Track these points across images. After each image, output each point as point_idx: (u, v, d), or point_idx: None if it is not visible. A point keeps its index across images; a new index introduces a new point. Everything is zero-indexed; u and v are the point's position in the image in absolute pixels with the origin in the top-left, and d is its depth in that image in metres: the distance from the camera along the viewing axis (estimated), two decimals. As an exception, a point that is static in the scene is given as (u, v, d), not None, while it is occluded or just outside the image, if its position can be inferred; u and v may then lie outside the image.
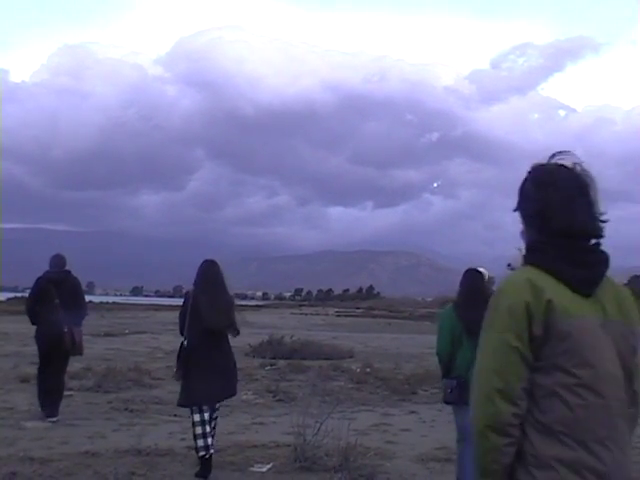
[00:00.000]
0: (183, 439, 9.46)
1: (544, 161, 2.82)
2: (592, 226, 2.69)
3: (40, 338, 10.92)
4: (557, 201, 2.67)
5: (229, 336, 8.11)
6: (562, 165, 2.77)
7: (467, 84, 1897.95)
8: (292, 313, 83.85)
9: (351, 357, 22.75)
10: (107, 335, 29.82)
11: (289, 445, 8.52)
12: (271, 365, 18.90)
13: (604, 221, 2.72)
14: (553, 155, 2.82)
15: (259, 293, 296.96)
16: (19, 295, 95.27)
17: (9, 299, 77.46)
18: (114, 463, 7.86)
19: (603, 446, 2.49)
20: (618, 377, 2.58)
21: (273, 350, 21.85)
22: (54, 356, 10.87)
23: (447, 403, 7.10)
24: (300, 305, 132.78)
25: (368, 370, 18.21)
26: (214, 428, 7.92)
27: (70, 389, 13.17)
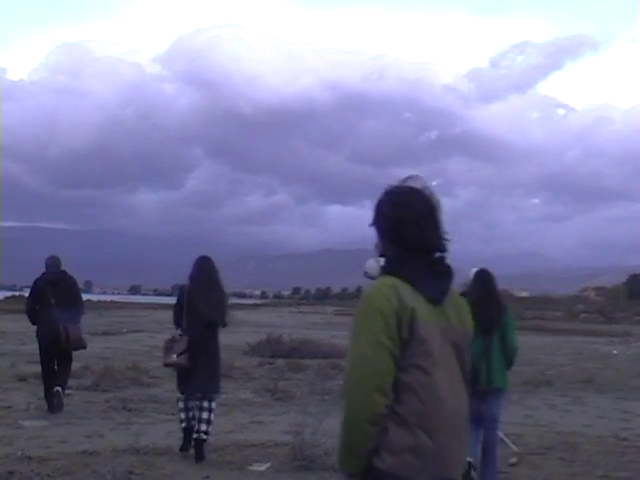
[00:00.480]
0: (181, 438, 9.46)
1: (398, 184, 3.21)
2: (438, 242, 3.12)
3: (39, 337, 11.58)
4: (410, 219, 3.07)
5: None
6: (414, 188, 3.17)
7: (466, 82, 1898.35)
8: (290, 312, 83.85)
9: (350, 356, 22.72)
10: (105, 334, 29.80)
11: (287, 444, 8.51)
12: (269, 364, 18.91)
13: (448, 239, 3.16)
14: (405, 179, 3.23)
15: (257, 292, 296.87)
16: (17, 294, 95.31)
17: (7, 298, 77.49)
18: (112, 462, 7.84)
19: (447, 435, 2.96)
20: (457, 376, 3.09)
21: (271, 349, 21.85)
22: (54, 354, 11.45)
23: None
24: (298, 304, 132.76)
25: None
26: (209, 421, 8.47)
27: (68, 388, 13.15)
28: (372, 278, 2.96)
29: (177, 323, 8.74)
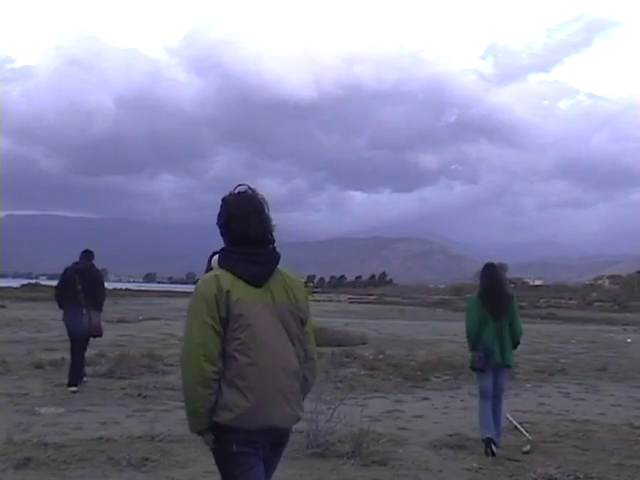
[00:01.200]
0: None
1: (234, 189, 4.09)
2: (262, 236, 3.96)
3: (66, 320, 12.54)
4: (235, 218, 3.94)
5: None
6: (241, 192, 4.05)
7: (486, 65, 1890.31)
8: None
9: (364, 344, 22.75)
10: (120, 322, 29.91)
11: (302, 431, 8.50)
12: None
13: (271, 233, 4.00)
14: (237, 185, 4.10)
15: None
16: (33, 282, 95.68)
17: (23, 285, 77.88)
18: (127, 449, 7.89)
19: (269, 391, 3.80)
20: (281, 344, 3.89)
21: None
22: (77, 335, 12.44)
23: (474, 370, 8.89)
24: (313, 292, 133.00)
25: (381, 357, 18.22)
26: None
27: (83, 375, 13.23)
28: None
29: None
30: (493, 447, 8.34)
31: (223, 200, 4.07)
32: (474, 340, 8.79)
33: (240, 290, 3.80)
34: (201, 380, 3.73)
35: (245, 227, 3.91)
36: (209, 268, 4.13)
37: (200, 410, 3.80)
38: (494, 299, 8.78)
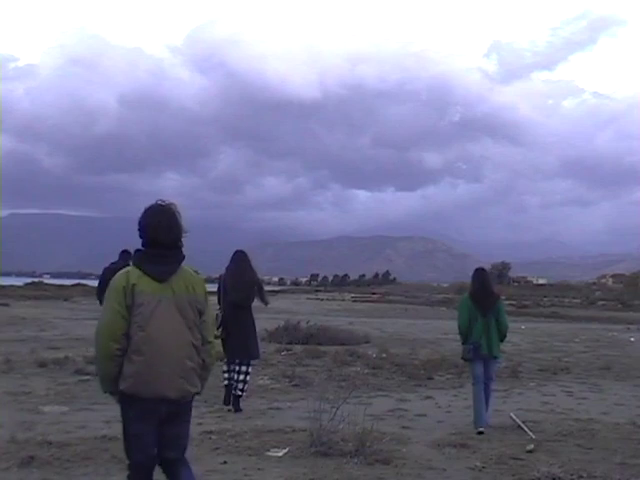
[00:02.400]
0: (199, 424, 9.49)
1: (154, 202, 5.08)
2: (170, 241, 4.96)
3: None
4: (148, 225, 4.97)
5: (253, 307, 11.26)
6: (156, 204, 5.05)
7: (490, 63, 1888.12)
8: (308, 298, 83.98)
9: (367, 342, 22.73)
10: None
11: (305, 430, 8.53)
12: (287, 350, 18.92)
13: (179, 238, 5.02)
14: (158, 200, 5.08)
15: (275, 278, 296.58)
16: (36, 280, 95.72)
17: (27, 284, 77.85)
18: (131, 447, 7.90)
19: (160, 366, 4.76)
20: (177, 329, 4.86)
21: (289, 335, 21.85)
22: None
23: (466, 360, 10.33)
24: (316, 290, 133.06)
25: (384, 355, 18.21)
26: (245, 381, 10.95)
27: (87, 374, 13.26)
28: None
29: (219, 303, 11.10)
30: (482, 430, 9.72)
31: (143, 210, 5.05)
32: (465, 335, 10.23)
33: (145, 284, 4.84)
34: (107, 355, 4.79)
35: (155, 234, 4.95)
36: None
37: (106, 378, 4.89)
38: (483, 299, 10.26)
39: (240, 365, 10.97)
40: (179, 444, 5.07)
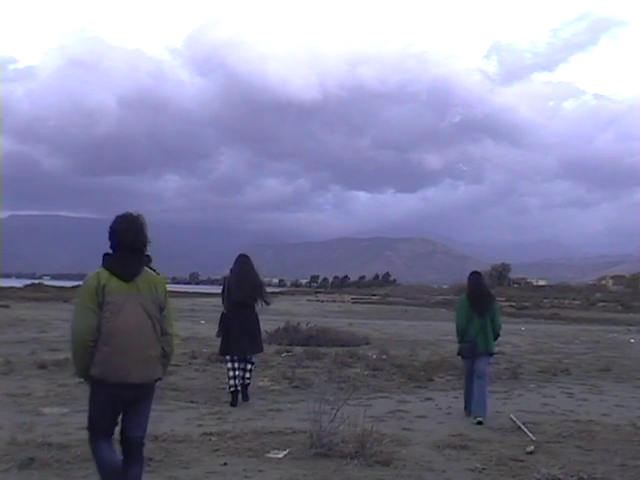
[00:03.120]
0: (200, 425, 9.50)
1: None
2: (136, 246, 5.69)
3: None
4: (117, 231, 5.68)
5: (257, 307, 12.01)
6: (125, 213, 5.76)
7: (490, 64, 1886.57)
8: (308, 300, 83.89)
9: (367, 344, 22.73)
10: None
11: (305, 432, 8.53)
12: (287, 352, 18.93)
13: (144, 243, 5.77)
14: (127, 211, 5.79)
15: (275, 280, 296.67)
16: (36, 282, 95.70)
17: (27, 286, 77.85)
18: (131, 449, 7.90)
19: (126, 355, 5.46)
20: (140, 322, 5.56)
21: (289, 337, 21.86)
22: None
23: (462, 357, 11.34)
24: (316, 292, 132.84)
25: (384, 357, 18.21)
26: (248, 378, 11.81)
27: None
28: None
29: (223, 303, 12.06)
30: (470, 411, 10.90)
31: (115, 217, 5.77)
32: (462, 333, 11.17)
33: (113, 283, 5.53)
34: (81, 345, 5.48)
35: (123, 239, 5.66)
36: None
37: (80, 366, 5.58)
38: (479, 300, 11.15)
39: (244, 361, 11.75)
40: (141, 424, 5.80)
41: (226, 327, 11.82)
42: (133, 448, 5.76)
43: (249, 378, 11.86)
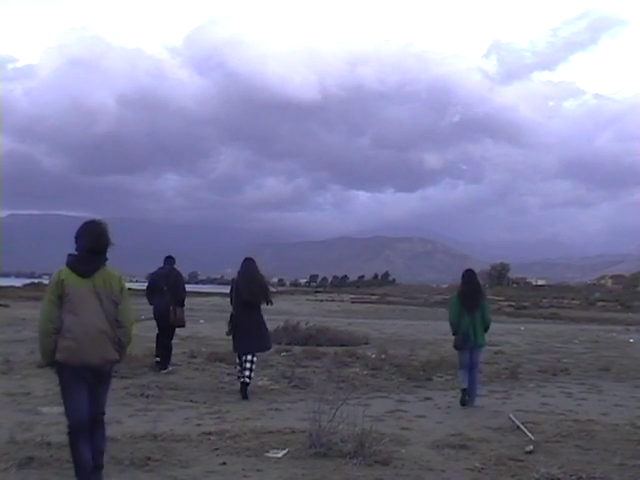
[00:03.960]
0: (199, 425, 9.50)
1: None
2: (97, 249, 6.53)
3: (155, 314, 15.57)
4: (82, 234, 6.55)
5: (262, 308, 12.79)
6: (90, 220, 6.73)
7: (490, 63, 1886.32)
8: (307, 299, 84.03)
9: (366, 343, 22.76)
10: (123, 321, 29.86)
11: (304, 431, 8.53)
12: (286, 351, 18.93)
13: (105, 246, 6.61)
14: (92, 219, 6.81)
15: (274, 279, 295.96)
16: (36, 281, 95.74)
17: (26, 285, 77.90)
18: (130, 448, 7.91)
19: (84, 341, 6.30)
20: (95, 313, 6.41)
21: (288, 336, 21.83)
22: (163, 326, 15.40)
23: (457, 349, 12.40)
24: (315, 291, 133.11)
25: (383, 356, 18.21)
26: (251, 369, 12.36)
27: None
28: None
29: (231, 303, 12.86)
30: (467, 398, 12.06)
31: (82, 223, 6.72)
32: (455, 327, 12.35)
33: (72, 279, 6.44)
34: (45, 333, 6.41)
35: (86, 242, 6.56)
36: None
37: (46, 352, 6.47)
38: (469, 298, 12.29)
39: (247, 355, 12.41)
40: (101, 401, 6.74)
41: (235, 326, 12.61)
42: (96, 418, 6.67)
43: (248, 377, 12.32)
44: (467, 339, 12.11)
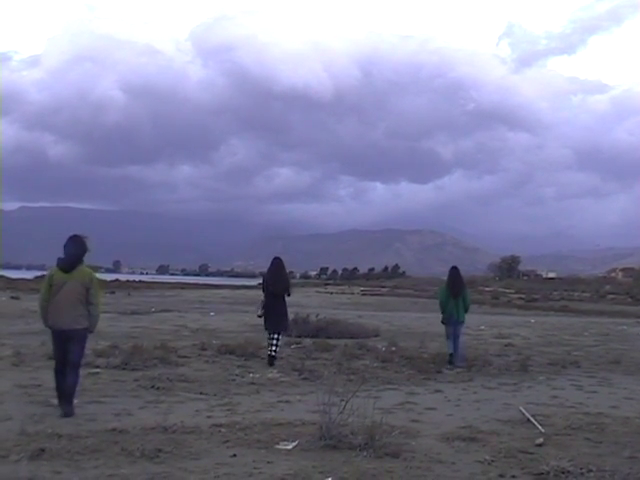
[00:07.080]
0: (209, 417, 9.52)
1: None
2: (75, 254, 9.90)
3: None
4: (65, 244, 9.98)
5: (285, 297, 15.88)
6: (73, 235, 10.10)
7: (505, 50, 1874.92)
8: (318, 292, 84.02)
9: (376, 336, 22.75)
10: (133, 313, 30.04)
11: (315, 423, 8.53)
12: (297, 343, 18.96)
13: (84, 252, 10.02)
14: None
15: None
16: (46, 273, 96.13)
17: (37, 277, 78.12)
18: (141, 440, 7.92)
19: (57, 312, 9.74)
20: (71, 295, 9.69)
21: (299, 328, 21.84)
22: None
23: (444, 324, 16.75)
24: (326, 284, 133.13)
25: (393, 349, 18.21)
26: (277, 345, 15.41)
27: (97, 366, 13.33)
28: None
29: (263, 292, 15.93)
30: (452, 359, 16.08)
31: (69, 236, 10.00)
32: (443, 308, 16.74)
33: (58, 274, 9.73)
34: (42, 307, 9.80)
35: (68, 250, 9.80)
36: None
37: (43, 320, 9.88)
38: (453, 287, 16.77)
39: (274, 334, 15.41)
40: (74, 353, 9.73)
41: (265, 311, 15.59)
42: (69, 364, 9.68)
43: (277, 347, 15.45)
44: (452, 317, 16.52)
